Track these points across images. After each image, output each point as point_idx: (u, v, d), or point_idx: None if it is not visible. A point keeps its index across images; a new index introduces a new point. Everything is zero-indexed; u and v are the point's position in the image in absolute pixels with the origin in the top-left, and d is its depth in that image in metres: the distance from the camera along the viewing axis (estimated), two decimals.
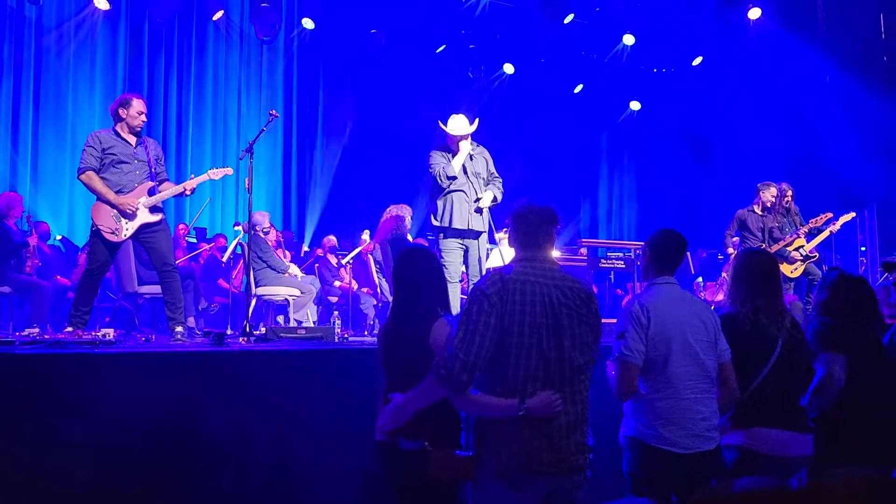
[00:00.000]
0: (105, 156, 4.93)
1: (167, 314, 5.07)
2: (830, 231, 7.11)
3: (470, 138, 5.57)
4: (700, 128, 11.98)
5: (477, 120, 5.63)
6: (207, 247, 8.71)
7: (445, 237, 5.50)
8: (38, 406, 3.31)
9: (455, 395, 2.50)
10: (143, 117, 5.07)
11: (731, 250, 7.23)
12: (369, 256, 8.44)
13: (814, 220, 7.14)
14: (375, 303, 8.29)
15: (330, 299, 8.57)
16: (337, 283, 8.80)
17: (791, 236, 7.10)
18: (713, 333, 2.85)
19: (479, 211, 5.50)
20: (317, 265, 9.13)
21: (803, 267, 7.05)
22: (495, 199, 5.59)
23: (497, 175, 5.76)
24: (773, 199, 7.23)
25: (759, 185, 7.37)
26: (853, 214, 7.24)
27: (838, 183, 9.33)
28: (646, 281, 3.03)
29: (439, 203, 5.51)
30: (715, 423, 2.83)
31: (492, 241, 6.16)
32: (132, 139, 5.06)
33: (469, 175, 5.49)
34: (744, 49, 10.98)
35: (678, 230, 3.04)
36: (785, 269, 7.00)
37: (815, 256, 7.09)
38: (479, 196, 5.45)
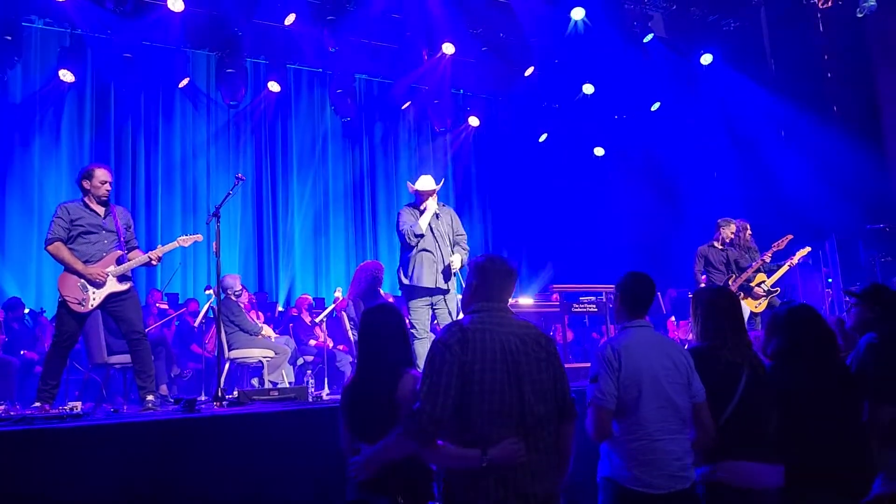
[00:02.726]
0: (73, 227, 4.93)
1: (137, 383, 5.00)
2: (789, 265, 7.27)
3: (436, 197, 5.85)
4: (663, 170, 12.26)
5: (443, 179, 5.96)
6: (177, 313, 8.63)
7: (414, 296, 5.68)
8: (7, 485, 3.23)
9: (423, 448, 2.50)
10: (108, 186, 5.07)
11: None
12: (343, 313, 8.42)
13: (776, 244, 7.31)
14: (351, 360, 8.24)
15: (305, 358, 8.50)
16: (312, 342, 8.75)
17: (755, 263, 7.25)
18: (685, 374, 2.89)
19: (446, 274, 5.70)
20: (291, 325, 9.09)
21: (766, 301, 7.19)
22: (463, 261, 5.82)
23: (462, 233, 6.02)
24: (733, 236, 7.42)
25: (719, 220, 7.57)
26: (809, 249, 7.42)
27: (798, 217, 9.55)
28: (618, 324, 3.08)
29: (408, 262, 5.71)
30: (688, 463, 2.85)
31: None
32: (101, 210, 5.06)
33: (436, 234, 5.73)
34: (699, 93, 11.36)
35: (648, 271, 3.12)
36: (749, 304, 7.14)
37: (777, 291, 7.25)
38: (449, 260, 5.70)
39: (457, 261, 5.73)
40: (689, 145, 11.65)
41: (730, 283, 7.17)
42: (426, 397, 2.44)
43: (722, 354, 3.01)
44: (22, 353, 7.23)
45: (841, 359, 3.25)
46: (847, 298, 8.58)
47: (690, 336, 8.02)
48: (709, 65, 10.83)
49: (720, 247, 7.45)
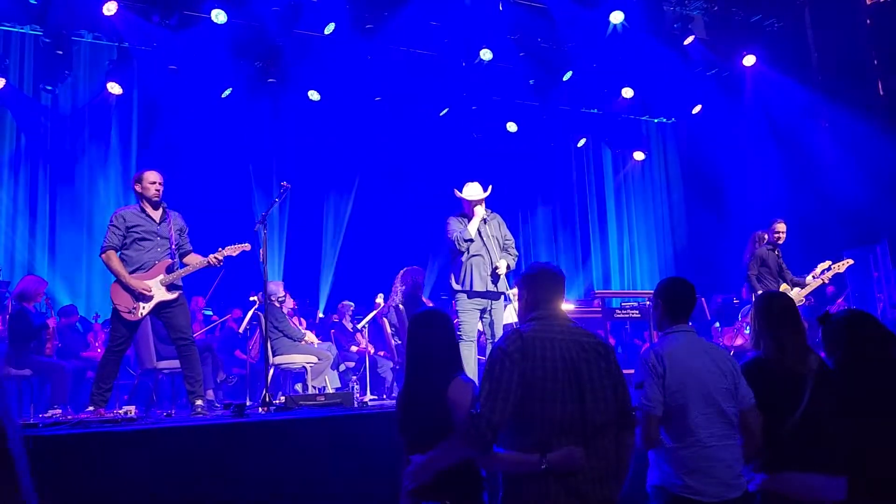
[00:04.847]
0: (128, 233, 5.07)
1: (186, 388, 5.10)
2: (823, 281, 6.93)
3: (484, 204, 5.90)
4: (706, 173, 12.09)
5: (490, 187, 5.95)
6: (221, 319, 8.77)
7: (466, 300, 5.77)
8: (63, 487, 3.31)
9: (480, 454, 2.50)
10: (157, 186, 5.18)
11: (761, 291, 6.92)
12: (384, 319, 8.47)
13: (836, 266, 6.95)
14: (393, 365, 8.28)
15: (347, 364, 8.57)
16: (353, 348, 8.81)
17: (814, 281, 6.90)
18: (732, 379, 2.84)
19: (495, 277, 5.76)
20: (333, 331, 9.16)
21: None
22: (509, 266, 5.89)
23: (511, 238, 6.09)
24: (783, 235, 7.06)
25: (771, 222, 7.22)
26: (851, 262, 7.04)
27: (848, 220, 9.33)
28: (661, 331, 3.04)
29: (460, 268, 5.81)
30: (740, 471, 2.79)
31: (505, 298, 6.29)
32: (156, 215, 5.19)
33: (485, 239, 5.80)
34: (742, 95, 11.17)
35: (691, 276, 3.08)
36: None
37: (809, 302, 6.96)
38: (496, 264, 5.76)
39: (502, 265, 5.79)
40: (732, 148, 11.46)
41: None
42: (485, 403, 2.44)
43: (786, 362, 2.95)
44: (82, 354, 7.48)
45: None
46: None
47: (738, 342, 7.88)
48: (751, 66, 10.65)
49: (774, 251, 7.03)
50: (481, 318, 5.86)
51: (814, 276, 6.96)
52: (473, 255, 5.76)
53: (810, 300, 7.08)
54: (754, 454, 2.90)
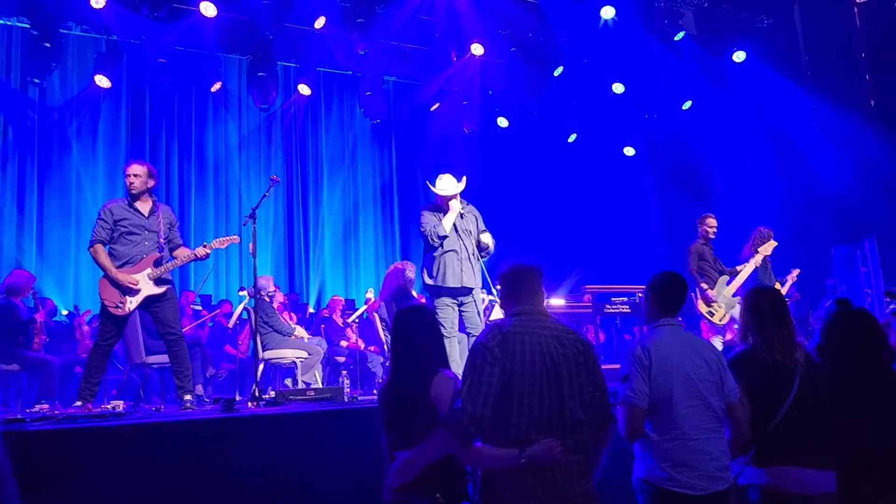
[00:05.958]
0: (116, 227, 5.02)
1: (175, 383, 5.08)
2: (755, 264, 6.94)
3: (459, 197, 5.70)
4: (695, 169, 12.12)
5: (465, 178, 5.75)
6: (211, 314, 8.74)
7: (439, 296, 5.59)
8: (50, 482, 3.29)
9: (462, 449, 2.50)
10: (130, 179, 5.09)
11: (705, 285, 6.91)
12: (375, 314, 8.46)
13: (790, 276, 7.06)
14: (383, 360, 8.28)
15: (337, 359, 8.56)
16: (343, 343, 8.80)
17: (745, 266, 6.97)
18: (717, 373, 2.85)
19: (479, 253, 5.65)
20: (323, 326, 9.15)
21: (729, 312, 6.82)
22: (491, 240, 5.76)
23: (486, 230, 5.90)
24: (711, 230, 7.12)
25: (702, 217, 7.28)
26: (775, 244, 7.01)
27: (836, 216, 9.38)
28: (649, 324, 3.05)
29: (433, 262, 5.62)
30: (726, 463, 2.80)
31: (490, 292, 6.22)
32: (145, 209, 5.13)
33: (460, 233, 5.62)
34: (732, 91, 11.21)
35: (682, 271, 3.08)
36: (702, 308, 6.84)
37: (792, 299, 6.99)
38: (480, 237, 5.64)
39: (486, 237, 5.68)
40: (721, 144, 11.50)
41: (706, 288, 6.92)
42: (467, 396, 2.44)
43: (773, 356, 2.96)
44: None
45: (888, 361, 3.17)
46: (888, 300, 8.39)
47: (728, 336, 7.91)
48: (742, 62, 10.68)
49: (707, 245, 7.13)
50: (461, 313, 5.69)
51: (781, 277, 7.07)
52: (447, 251, 5.57)
53: (797, 296, 7.13)
54: (742, 448, 2.91)
